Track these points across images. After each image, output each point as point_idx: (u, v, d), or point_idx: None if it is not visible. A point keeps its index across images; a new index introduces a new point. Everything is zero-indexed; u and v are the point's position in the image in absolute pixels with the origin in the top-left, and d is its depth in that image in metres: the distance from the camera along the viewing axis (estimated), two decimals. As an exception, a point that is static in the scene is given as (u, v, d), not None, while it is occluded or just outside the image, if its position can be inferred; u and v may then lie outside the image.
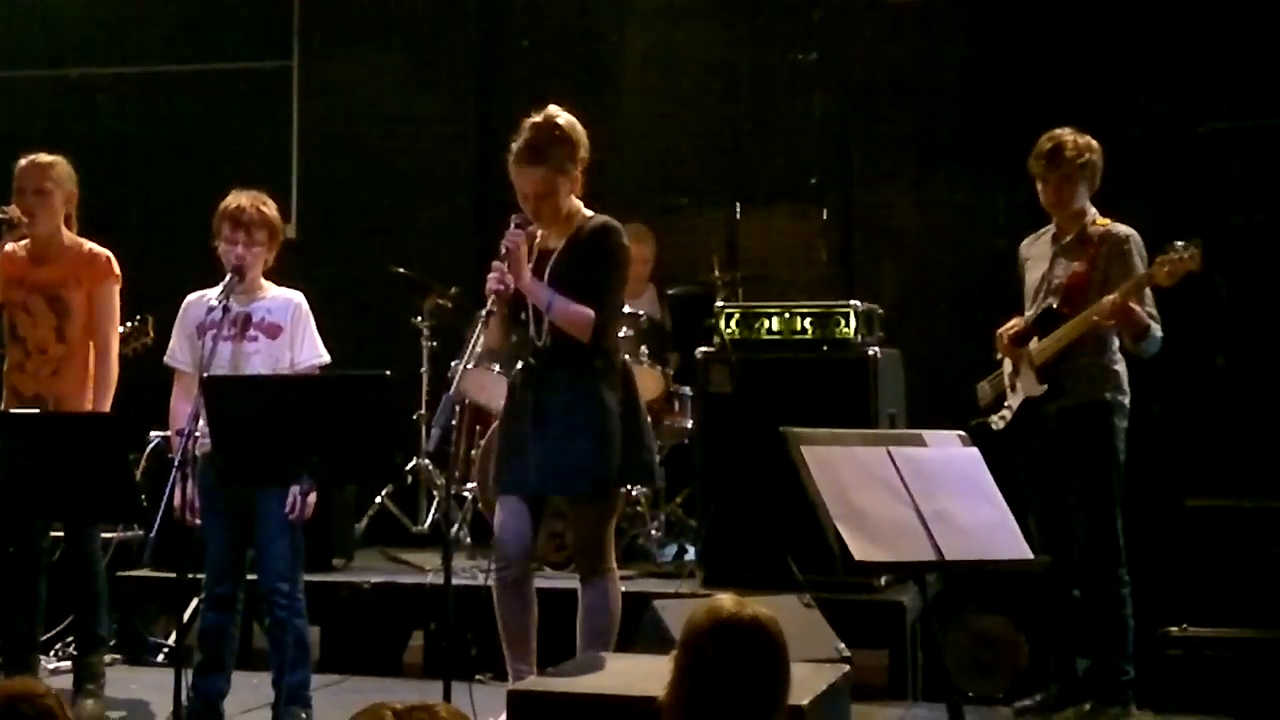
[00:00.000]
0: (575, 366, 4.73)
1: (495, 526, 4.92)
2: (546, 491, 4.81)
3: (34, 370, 5.47)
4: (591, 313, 4.68)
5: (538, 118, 4.76)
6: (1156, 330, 5.16)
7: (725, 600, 2.97)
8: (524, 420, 4.77)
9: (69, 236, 5.57)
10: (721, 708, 2.85)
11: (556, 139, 4.72)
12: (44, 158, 5.54)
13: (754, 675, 2.87)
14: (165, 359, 5.25)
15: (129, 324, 5.81)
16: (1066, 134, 5.33)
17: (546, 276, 4.74)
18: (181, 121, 8.58)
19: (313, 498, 4.99)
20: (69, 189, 5.56)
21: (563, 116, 4.76)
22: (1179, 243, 4.97)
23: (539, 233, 4.82)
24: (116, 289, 5.56)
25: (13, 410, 5.37)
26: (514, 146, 4.75)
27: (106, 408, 5.44)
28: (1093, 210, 5.36)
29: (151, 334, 5.98)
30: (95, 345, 5.51)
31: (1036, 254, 5.49)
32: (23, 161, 5.54)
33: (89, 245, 5.57)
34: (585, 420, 4.69)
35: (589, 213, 4.83)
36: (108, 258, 5.56)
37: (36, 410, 5.25)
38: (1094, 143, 5.34)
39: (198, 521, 4.99)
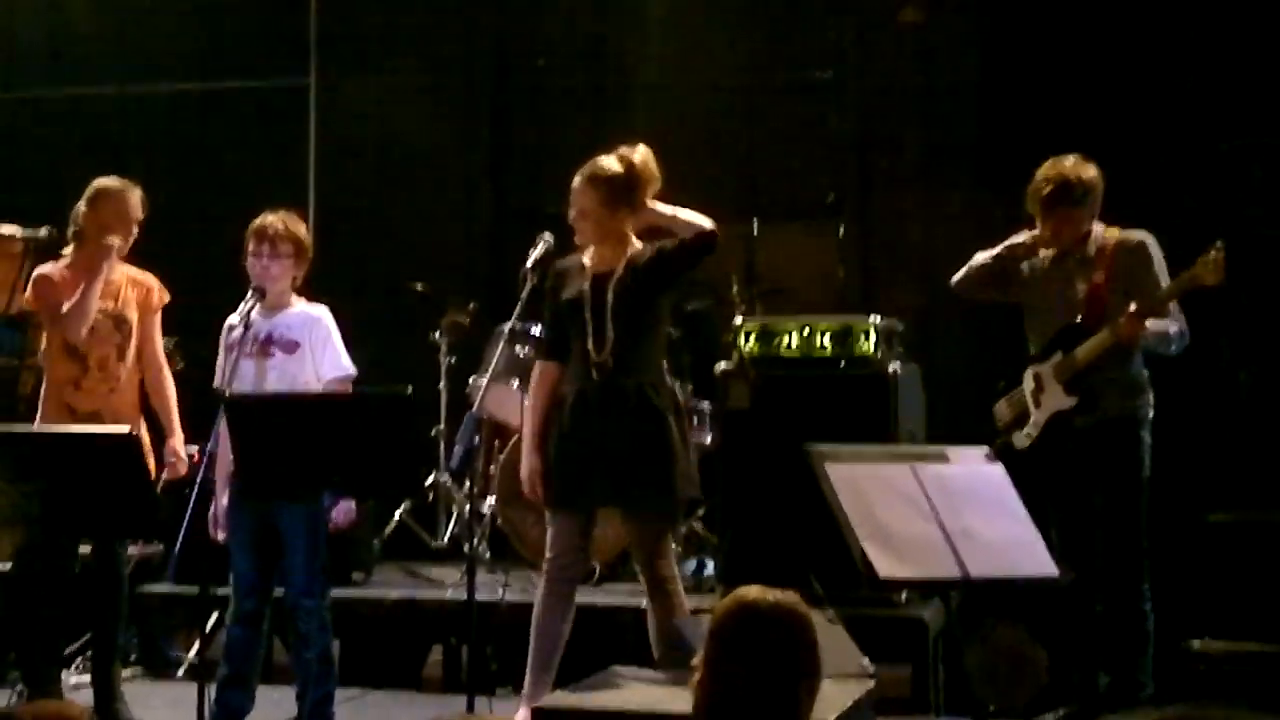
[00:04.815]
0: (640, 385, 4.89)
1: (551, 536, 5.00)
2: (622, 505, 4.97)
3: (91, 387, 5.48)
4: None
5: (624, 150, 4.99)
6: (1165, 326, 5.14)
7: (749, 588, 3.02)
8: (590, 436, 4.88)
9: (118, 261, 5.61)
10: (750, 689, 2.88)
11: (621, 175, 4.94)
12: (136, 187, 5.53)
13: (780, 655, 2.90)
14: (215, 384, 5.24)
15: None
16: (1068, 168, 5.31)
17: (611, 295, 4.91)
18: (198, 140, 8.61)
19: (352, 509, 5.05)
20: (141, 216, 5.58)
21: (639, 155, 4.98)
22: (1219, 242, 4.97)
23: (587, 259, 5.00)
24: (160, 315, 5.64)
25: (29, 428, 5.40)
26: (586, 164, 4.99)
27: (180, 434, 5.52)
28: (1097, 225, 5.36)
29: (179, 363, 6.08)
30: (150, 371, 5.56)
31: (1038, 268, 5.48)
32: (118, 186, 5.49)
33: (135, 270, 5.62)
34: (656, 439, 4.86)
35: (640, 243, 5.04)
36: (158, 285, 5.63)
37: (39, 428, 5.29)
38: (1090, 171, 5.31)
39: (221, 537, 5.05)
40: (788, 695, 2.89)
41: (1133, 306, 5.10)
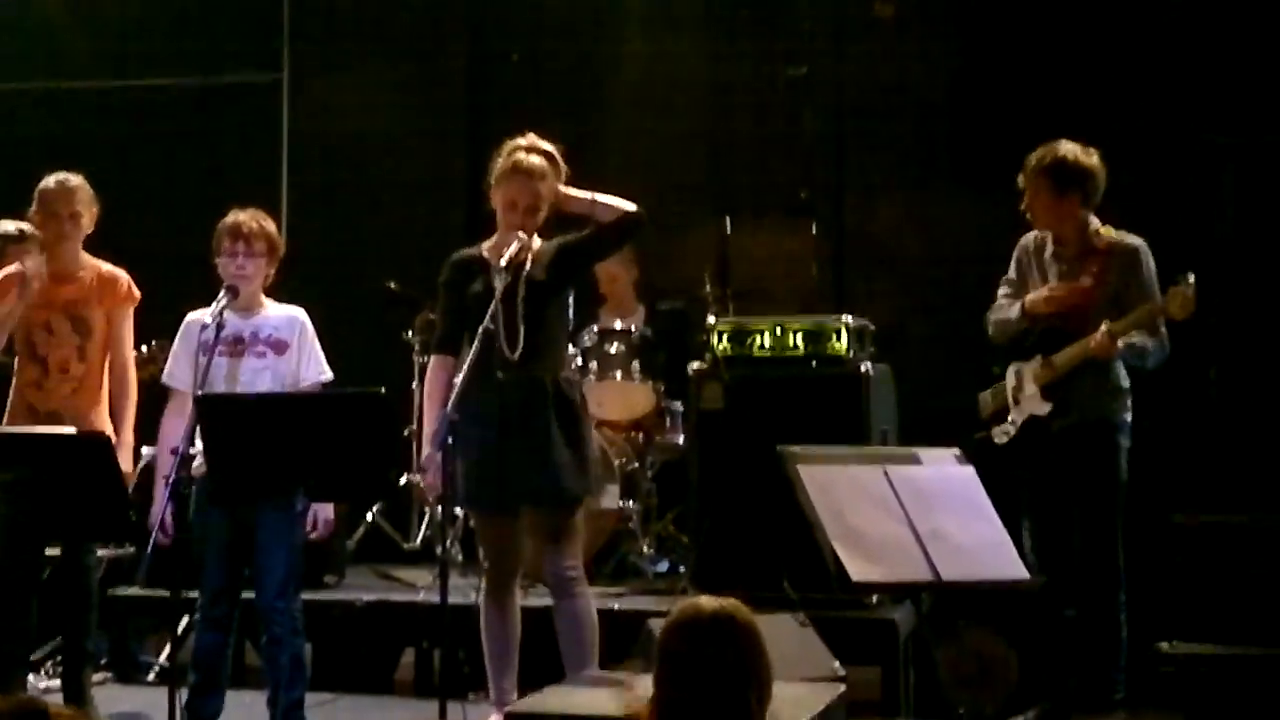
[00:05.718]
0: (546, 380, 4.87)
1: (480, 542, 5.05)
2: (529, 504, 4.90)
3: (53, 388, 5.47)
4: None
5: (530, 140, 4.96)
6: (1144, 342, 5.16)
7: (694, 600, 3.03)
8: (497, 435, 4.83)
9: (85, 256, 5.58)
10: (698, 703, 2.89)
11: (552, 162, 4.95)
12: (74, 179, 5.51)
13: (723, 666, 2.90)
14: (163, 378, 5.26)
15: (141, 350, 5.77)
16: (1062, 147, 5.32)
17: (524, 289, 4.85)
18: (171, 135, 8.55)
19: (330, 519, 5.04)
20: (94, 209, 5.55)
21: (546, 142, 4.99)
22: (1190, 275, 4.97)
23: (489, 252, 4.96)
24: (132, 310, 5.59)
25: (6, 428, 5.37)
26: (519, 159, 4.91)
27: (130, 431, 5.47)
28: (1094, 221, 5.35)
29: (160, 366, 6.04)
30: (114, 368, 5.53)
31: (1034, 258, 5.47)
32: (51, 183, 5.48)
33: (106, 266, 5.58)
34: (562, 433, 4.84)
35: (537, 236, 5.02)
36: (128, 281, 5.59)
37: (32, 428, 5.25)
38: (1086, 159, 5.31)
39: (166, 539, 4.91)
40: (738, 705, 2.89)
41: (1105, 325, 5.10)
